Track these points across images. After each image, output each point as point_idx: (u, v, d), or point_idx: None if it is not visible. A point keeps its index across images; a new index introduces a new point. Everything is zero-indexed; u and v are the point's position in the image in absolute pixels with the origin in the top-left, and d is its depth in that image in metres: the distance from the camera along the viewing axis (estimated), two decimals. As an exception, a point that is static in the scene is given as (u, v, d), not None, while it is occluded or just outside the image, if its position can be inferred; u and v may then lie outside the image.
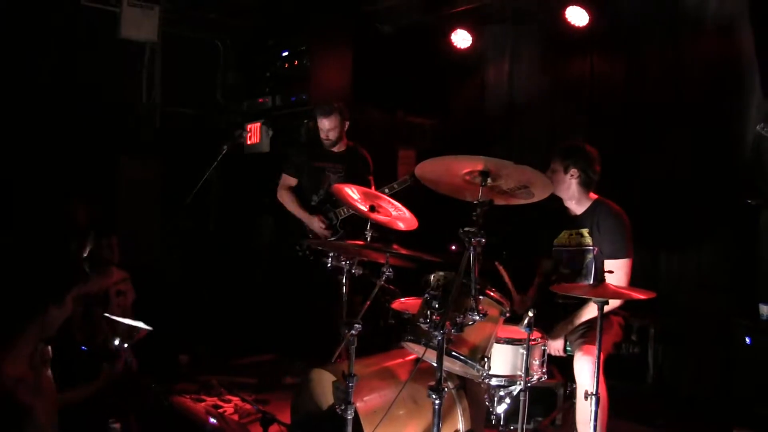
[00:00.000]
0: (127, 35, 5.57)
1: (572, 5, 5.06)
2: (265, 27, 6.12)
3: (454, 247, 4.93)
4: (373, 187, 4.38)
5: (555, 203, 3.67)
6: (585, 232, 3.61)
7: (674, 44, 4.83)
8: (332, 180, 4.61)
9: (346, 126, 4.66)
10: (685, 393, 4.67)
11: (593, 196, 3.67)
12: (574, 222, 3.68)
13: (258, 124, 5.93)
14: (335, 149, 4.69)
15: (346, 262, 3.25)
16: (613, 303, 3.28)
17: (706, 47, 4.68)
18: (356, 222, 4.54)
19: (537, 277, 3.93)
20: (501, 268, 3.37)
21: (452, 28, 5.83)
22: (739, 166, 4.48)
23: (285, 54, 5.85)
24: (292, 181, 4.78)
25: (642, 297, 2.91)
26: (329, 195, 4.61)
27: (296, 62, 5.74)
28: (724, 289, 4.55)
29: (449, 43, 5.87)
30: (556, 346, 3.39)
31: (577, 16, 5.09)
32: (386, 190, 4.28)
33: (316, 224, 4.57)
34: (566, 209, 3.73)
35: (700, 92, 4.72)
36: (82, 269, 2.43)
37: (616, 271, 3.40)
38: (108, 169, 5.69)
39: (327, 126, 4.58)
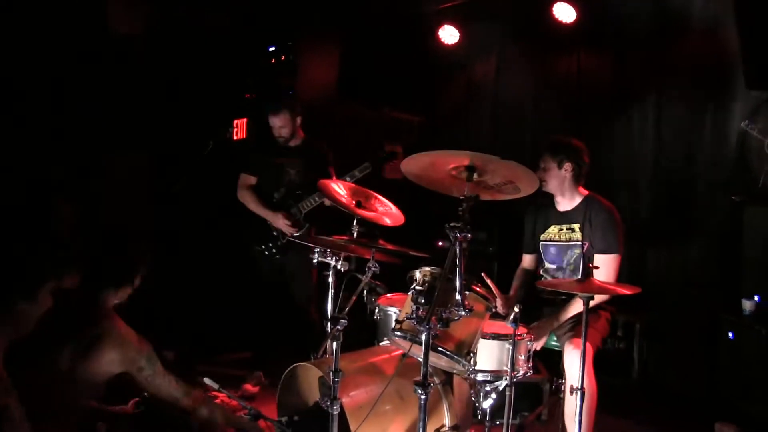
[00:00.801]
0: (116, 29, 5.52)
1: (560, 2, 5.07)
2: (251, 22, 6.09)
3: (440, 243, 4.94)
4: (333, 178, 4.37)
5: (540, 199, 3.68)
6: (576, 227, 3.62)
7: (661, 42, 4.85)
8: (291, 175, 4.60)
9: (299, 121, 4.66)
10: (670, 388, 4.70)
11: (583, 191, 3.69)
12: (564, 217, 3.69)
13: (245, 120, 5.90)
14: (291, 144, 4.68)
15: (332, 258, 3.24)
16: (600, 297, 3.29)
17: (692, 44, 4.70)
18: (319, 215, 4.54)
19: (519, 273, 3.93)
20: (488, 279, 3.36)
21: (440, 24, 5.82)
22: (725, 163, 4.50)
23: (271, 49, 5.82)
24: (252, 180, 4.75)
25: (627, 293, 2.92)
26: (290, 190, 4.60)
27: (282, 57, 5.71)
28: (710, 286, 4.58)
29: (437, 39, 5.87)
30: (539, 342, 3.41)
31: (564, 13, 5.10)
32: (347, 178, 4.28)
33: (281, 221, 4.55)
34: (554, 204, 3.73)
35: (685, 89, 4.74)
36: (64, 263, 2.38)
37: (606, 267, 3.42)
38: (92, 164, 5.65)
39: (278, 123, 4.59)
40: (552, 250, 3.73)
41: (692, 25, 4.70)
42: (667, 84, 4.84)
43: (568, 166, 3.61)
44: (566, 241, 3.65)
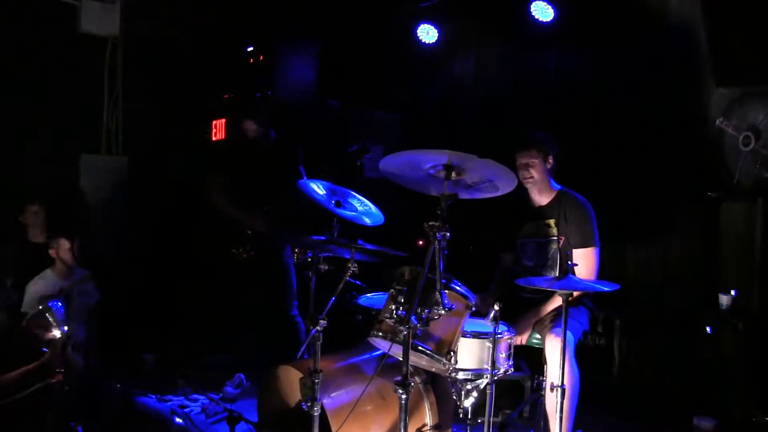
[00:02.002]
0: (88, 30, 5.47)
1: (538, 0, 5.09)
2: (228, 22, 6.06)
3: (421, 242, 4.94)
4: (304, 177, 4.41)
5: (514, 196, 3.68)
6: (552, 222, 3.63)
7: (637, 40, 4.88)
8: (264, 176, 4.59)
9: (267, 122, 4.68)
10: (650, 384, 4.73)
11: (556, 185, 3.71)
12: (540, 213, 3.70)
13: (223, 120, 5.87)
14: (263, 145, 4.68)
15: (312, 258, 3.22)
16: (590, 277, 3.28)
17: (668, 42, 4.74)
18: (295, 215, 4.52)
19: (497, 272, 3.94)
20: None
21: (418, 23, 5.83)
22: (702, 160, 4.54)
23: (249, 49, 5.80)
24: (224, 182, 4.73)
25: (606, 289, 2.94)
26: (263, 191, 4.59)
27: (261, 57, 5.69)
28: (689, 281, 4.62)
29: (415, 38, 5.87)
30: (521, 338, 3.42)
31: (542, 12, 5.12)
32: None
33: (259, 222, 4.54)
34: (528, 201, 3.74)
35: (662, 86, 4.78)
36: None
37: (585, 260, 3.44)
38: (69, 168, 5.60)
39: (252, 126, 4.62)
40: (529, 246, 3.73)
41: (668, 24, 4.74)
42: (643, 81, 4.87)
43: (550, 159, 3.64)
44: (543, 237, 3.66)
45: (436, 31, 5.84)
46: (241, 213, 4.57)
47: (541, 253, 3.58)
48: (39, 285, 4.35)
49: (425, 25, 5.83)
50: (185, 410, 4.14)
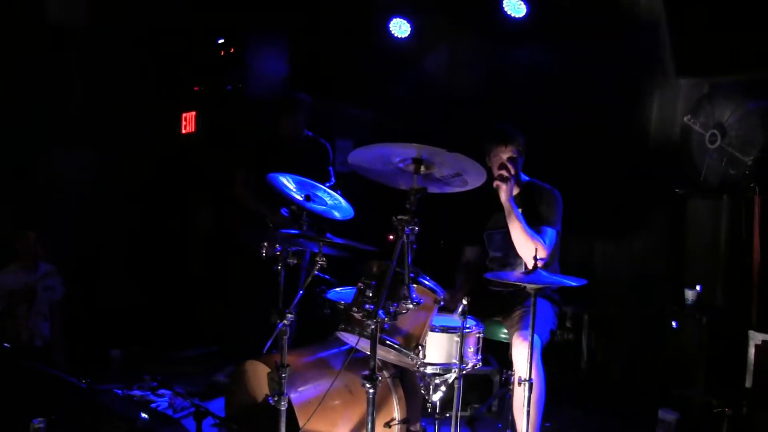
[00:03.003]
0: (56, 19, 5.37)
1: (510, -4, 5.11)
2: (199, 14, 5.99)
3: (391, 237, 4.93)
4: (332, 178, 4.39)
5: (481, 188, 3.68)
6: (519, 211, 3.64)
7: (608, 35, 4.91)
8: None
9: (304, 120, 4.62)
10: (617, 378, 4.79)
11: (525, 177, 3.73)
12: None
13: (193, 113, 5.81)
14: (294, 142, 4.62)
15: (281, 252, 3.19)
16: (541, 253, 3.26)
17: (638, 38, 4.78)
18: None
19: (463, 266, 3.94)
20: None
21: (391, 17, 5.81)
22: (670, 157, 4.59)
23: (220, 41, 5.73)
24: (250, 177, 4.63)
25: (574, 284, 2.96)
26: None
27: (232, 50, 5.63)
28: (656, 277, 4.67)
29: (388, 32, 5.85)
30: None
31: (515, 8, 5.13)
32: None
33: (279, 217, 4.48)
34: (495, 192, 3.73)
35: (631, 82, 4.82)
36: None
37: (543, 237, 3.44)
38: (36, 161, 5.50)
39: (290, 123, 4.56)
40: (497, 237, 3.74)
41: (637, 19, 4.77)
42: (613, 77, 4.91)
43: (523, 150, 3.66)
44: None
45: (408, 25, 5.83)
46: (263, 207, 4.48)
47: (510, 244, 3.56)
48: (2, 278, 4.28)
49: (398, 19, 5.81)
50: (151, 405, 4.09)
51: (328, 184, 4.27)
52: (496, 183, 3.47)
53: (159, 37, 6.11)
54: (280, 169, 4.53)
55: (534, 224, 3.49)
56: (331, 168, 4.58)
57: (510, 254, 3.65)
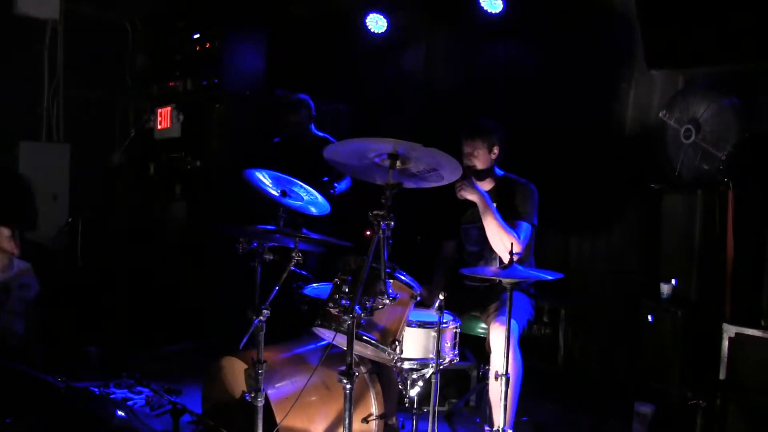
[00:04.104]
0: (25, 11, 5.27)
1: (486, -9, 5.10)
2: (175, 8, 5.93)
3: (369, 232, 4.91)
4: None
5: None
6: (495, 206, 3.65)
7: (584, 31, 4.94)
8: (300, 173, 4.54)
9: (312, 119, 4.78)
10: (594, 372, 4.83)
11: (500, 171, 3.75)
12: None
13: (169, 109, 5.75)
14: (303, 141, 4.70)
15: (258, 247, 3.16)
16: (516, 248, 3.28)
17: (614, 34, 4.80)
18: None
19: (440, 261, 3.95)
20: None
21: (368, 12, 5.79)
22: (645, 152, 4.62)
23: (196, 36, 5.68)
24: None
25: (550, 278, 2.97)
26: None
27: (208, 45, 5.58)
28: (632, 272, 4.71)
29: (365, 27, 5.83)
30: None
31: (491, 4, 5.13)
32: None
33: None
34: None
35: (607, 78, 4.85)
36: None
37: (518, 231, 3.46)
38: (7, 156, 5.42)
39: (292, 120, 4.72)
40: (473, 231, 3.74)
41: (614, 14, 4.80)
42: (589, 73, 4.93)
43: (496, 149, 3.66)
44: None
45: (385, 20, 5.81)
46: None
47: (485, 238, 3.57)
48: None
49: (374, 14, 5.79)
50: (128, 403, 4.05)
51: (343, 182, 4.34)
52: (458, 194, 3.48)
53: (135, 29, 6.06)
54: (289, 168, 4.54)
55: (509, 218, 3.50)
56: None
57: (486, 249, 3.66)
